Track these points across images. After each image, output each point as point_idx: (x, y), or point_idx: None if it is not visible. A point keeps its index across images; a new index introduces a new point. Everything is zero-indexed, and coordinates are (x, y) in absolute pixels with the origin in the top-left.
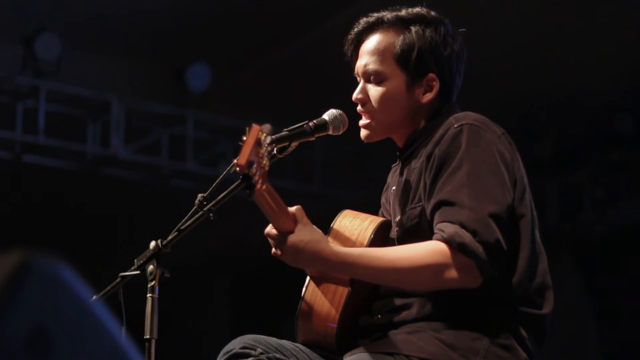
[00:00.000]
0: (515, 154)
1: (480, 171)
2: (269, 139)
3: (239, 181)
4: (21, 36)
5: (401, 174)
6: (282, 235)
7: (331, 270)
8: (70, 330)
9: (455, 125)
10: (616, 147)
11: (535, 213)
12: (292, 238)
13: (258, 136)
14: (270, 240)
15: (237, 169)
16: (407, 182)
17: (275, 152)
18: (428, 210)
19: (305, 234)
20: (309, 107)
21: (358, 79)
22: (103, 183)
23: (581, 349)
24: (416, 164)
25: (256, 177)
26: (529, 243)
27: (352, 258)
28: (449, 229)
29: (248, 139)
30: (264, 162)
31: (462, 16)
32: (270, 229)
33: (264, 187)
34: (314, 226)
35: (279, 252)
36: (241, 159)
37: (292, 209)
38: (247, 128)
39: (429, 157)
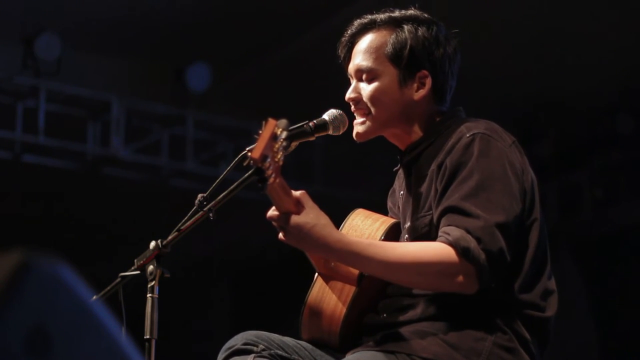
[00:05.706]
0: (525, 162)
1: (489, 181)
2: (284, 134)
3: (249, 173)
4: (21, 36)
5: (408, 179)
6: (285, 215)
7: (335, 257)
8: (69, 330)
9: (468, 135)
10: (616, 147)
11: (544, 218)
12: (297, 219)
13: (274, 130)
14: (274, 223)
15: (251, 162)
16: (416, 190)
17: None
18: (435, 216)
19: (312, 217)
20: (309, 107)
21: (351, 80)
22: (103, 183)
23: (581, 349)
24: (426, 171)
25: (269, 172)
26: (535, 247)
27: (358, 248)
28: (455, 232)
29: (263, 133)
30: (279, 156)
31: (462, 16)
32: (272, 212)
33: (277, 181)
34: (321, 211)
35: (283, 235)
36: (255, 153)
37: (297, 193)
38: (264, 122)
39: (440, 166)
